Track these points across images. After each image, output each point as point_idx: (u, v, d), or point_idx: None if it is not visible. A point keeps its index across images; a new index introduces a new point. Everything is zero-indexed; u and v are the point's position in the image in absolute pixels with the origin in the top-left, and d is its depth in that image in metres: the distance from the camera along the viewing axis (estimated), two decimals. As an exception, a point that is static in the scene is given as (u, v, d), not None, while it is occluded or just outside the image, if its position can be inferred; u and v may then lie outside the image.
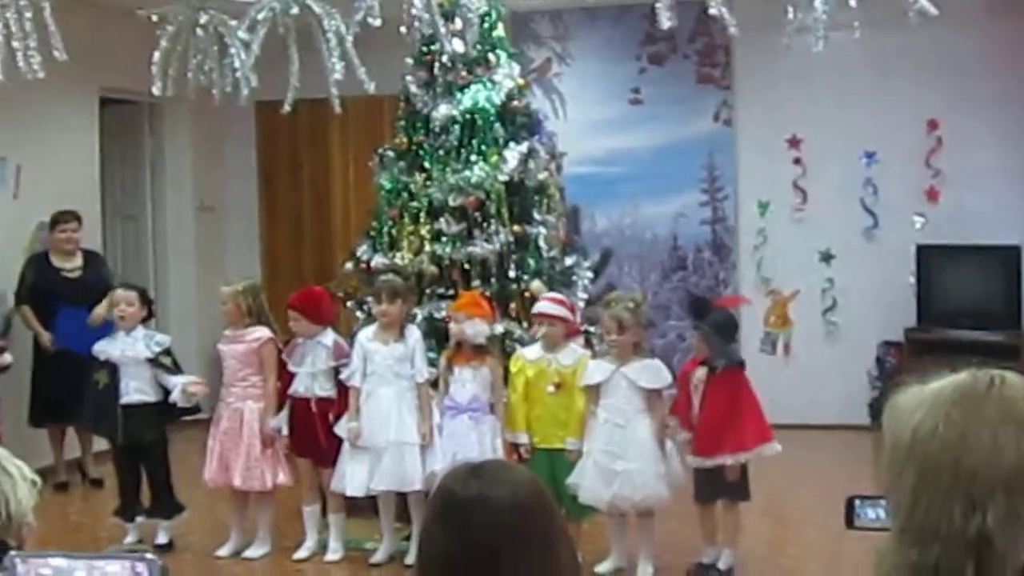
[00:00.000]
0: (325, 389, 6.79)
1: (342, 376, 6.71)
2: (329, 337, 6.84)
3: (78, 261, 8.53)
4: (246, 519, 7.03)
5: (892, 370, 9.66)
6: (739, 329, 7.53)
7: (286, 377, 6.87)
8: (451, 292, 7.25)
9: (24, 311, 8.37)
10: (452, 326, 6.64)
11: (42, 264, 8.43)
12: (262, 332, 6.93)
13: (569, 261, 7.67)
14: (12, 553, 1.54)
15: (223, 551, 6.93)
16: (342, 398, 6.73)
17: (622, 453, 6.28)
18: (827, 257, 10.07)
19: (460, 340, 6.61)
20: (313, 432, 6.77)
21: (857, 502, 1.97)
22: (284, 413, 6.86)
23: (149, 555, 1.48)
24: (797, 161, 10.09)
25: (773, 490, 8.12)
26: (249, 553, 6.91)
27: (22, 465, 1.93)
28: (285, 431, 6.84)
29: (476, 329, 6.57)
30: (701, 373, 6.40)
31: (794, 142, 10.07)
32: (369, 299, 7.16)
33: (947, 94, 9.68)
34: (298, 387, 6.82)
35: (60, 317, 8.26)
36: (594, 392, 6.39)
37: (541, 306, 6.71)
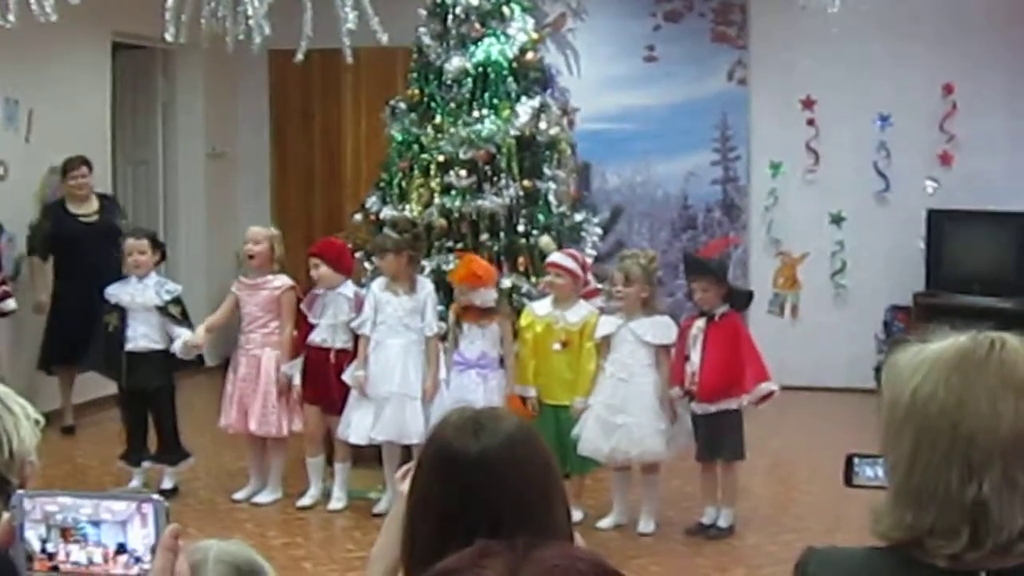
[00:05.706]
0: (343, 340, 6.79)
1: (353, 324, 6.73)
2: (350, 289, 6.84)
3: (94, 205, 8.52)
4: (264, 465, 7.07)
5: (900, 334, 9.65)
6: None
7: (304, 327, 6.88)
8: (460, 245, 7.25)
9: (34, 263, 8.35)
10: (458, 296, 6.65)
11: (59, 212, 8.40)
12: (284, 280, 6.94)
13: (579, 217, 7.66)
14: (20, 492, 1.56)
15: (239, 495, 6.99)
16: (356, 348, 6.76)
17: (623, 407, 6.31)
18: (838, 220, 10.03)
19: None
20: (327, 380, 6.78)
21: (856, 460, 1.97)
22: (297, 361, 6.87)
23: (155, 496, 1.50)
24: (810, 123, 10.04)
25: (778, 451, 8.15)
26: (259, 499, 6.96)
27: (25, 404, 1.94)
28: (297, 379, 6.86)
29: (483, 297, 6.60)
30: (701, 323, 6.41)
31: (808, 103, 10.01)
32: (377, 251, 7.18)
33: (964, 58, 9.60)
34: (316, 338, 6.82)
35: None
36: (605, 346, 6.43)
37: (554, 256, 6.74)
